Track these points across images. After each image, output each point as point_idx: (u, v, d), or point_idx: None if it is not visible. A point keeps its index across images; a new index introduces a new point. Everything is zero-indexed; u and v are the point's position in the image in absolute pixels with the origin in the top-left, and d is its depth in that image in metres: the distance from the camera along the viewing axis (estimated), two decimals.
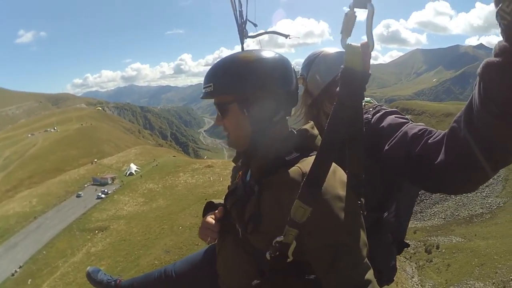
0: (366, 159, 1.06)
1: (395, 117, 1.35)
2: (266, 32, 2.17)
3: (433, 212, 57.75)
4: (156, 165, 68.61)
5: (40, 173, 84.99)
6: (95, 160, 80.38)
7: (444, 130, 1.02)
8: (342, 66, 0.91)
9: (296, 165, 1.06)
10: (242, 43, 2.10)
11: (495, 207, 53.27)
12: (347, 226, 0.96)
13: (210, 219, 1.39)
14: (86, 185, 60.21)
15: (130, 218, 44.50)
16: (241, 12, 2.06)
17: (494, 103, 0.69)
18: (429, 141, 1.04)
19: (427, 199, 58.74)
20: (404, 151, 1.13)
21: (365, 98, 1.52)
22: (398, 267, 1.76)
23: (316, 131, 1.20)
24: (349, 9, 0.91)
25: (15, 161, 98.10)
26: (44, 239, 41.79)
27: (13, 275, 35.61)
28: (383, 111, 1.43)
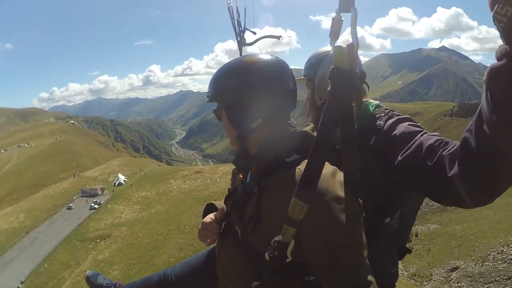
0: (362, 159, 1.04)
1: (408, 124, 1.33)
2: (261, 38, 2.19)
3: None
4: (144, 174, 68.18)
5: (20, 189, 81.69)
6: (78, 173, 78.48)
7: None
8: (331, 66, 0.91)
9: (295, 166, 1.07)
10: (241, 52, 2.11)
11: None
12: (347, 227, 0.95)
13: (210, 220, 1.40)
14: (75, 198, 59.02)
15: (131, 224, 44.15)
16: (239, 21, 2.10)
17: (502, 108, 0.66)
18: (443, 153, 1.03)
19: None
20: (418, 163, 1.12)
21: (375, 102, 1.56)
22: None
23: (315, 134, 1.18)
24: (335, 14, 0.93)
25: None
26: (42, 253, 40.63)
27: None
28: (396, 117, 1.40)
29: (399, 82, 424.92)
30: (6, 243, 44.28)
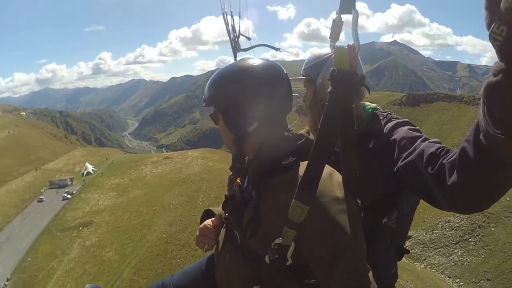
0: (361, 161, 1.04)
1: (408, 129, 1.32)
2: (257, 45, 2.14)
3: None
4: (112, 162, 67.01)
5: None
6: (39, 167, 74.82)
7: None
8: (331, 68, 0.92)
9: (292, 168, 1.06)
10: (235, 58, 2.08)
11: None
12: (346, 228, 0.94)
13: (207, 226, 1.40)
14: (43, 190, 56.71)
15: (112, 209, 44.17)
16: (233, 27, 2.02)
17: (497, 121, 0.69)
18: (444, 161, 1.03)
19: None
20: (419, 170, 1.13)
21: (372, 105, 1.57)
22: None
23: (312, 136, 1.18)
24: (336, 15, 0.94)
25: None
26: (23, 247, 39.42)
27: None
28: (395, 121, 1.40)
29: None
30: None
